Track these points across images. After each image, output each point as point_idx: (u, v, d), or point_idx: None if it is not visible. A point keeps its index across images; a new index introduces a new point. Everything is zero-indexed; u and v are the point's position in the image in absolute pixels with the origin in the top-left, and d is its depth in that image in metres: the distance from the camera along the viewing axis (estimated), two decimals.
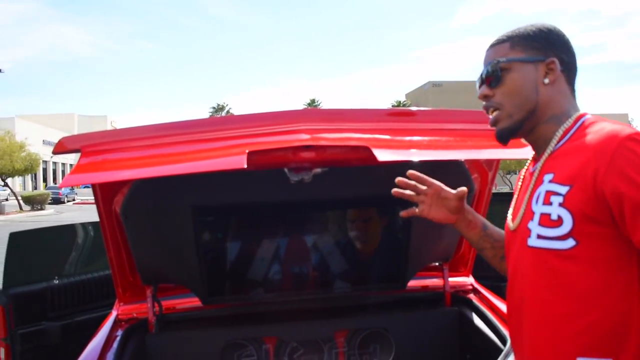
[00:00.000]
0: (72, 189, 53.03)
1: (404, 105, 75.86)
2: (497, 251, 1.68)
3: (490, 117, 1.48)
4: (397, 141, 2.08)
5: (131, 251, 2.62)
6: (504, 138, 1.47)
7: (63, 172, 67.61)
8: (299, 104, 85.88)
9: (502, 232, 1.70)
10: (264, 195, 2.61)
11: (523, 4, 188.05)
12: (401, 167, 2.24)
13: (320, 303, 3.01)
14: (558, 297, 1.29)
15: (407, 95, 76.49)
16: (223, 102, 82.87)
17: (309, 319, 2.93)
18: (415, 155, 2.03)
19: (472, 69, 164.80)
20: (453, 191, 1.63)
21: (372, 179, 2.53)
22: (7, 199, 38.49)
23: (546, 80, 1.41)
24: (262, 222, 2.91)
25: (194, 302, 2.91)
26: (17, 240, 3.48)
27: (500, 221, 1.64)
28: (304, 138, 2.02)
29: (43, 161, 49.87)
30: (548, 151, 1.40)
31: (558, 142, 1.39)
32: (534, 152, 1.51)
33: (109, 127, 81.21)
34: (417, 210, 1.67)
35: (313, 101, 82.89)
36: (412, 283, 2.96)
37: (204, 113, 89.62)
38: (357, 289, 3.06)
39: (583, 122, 1.38)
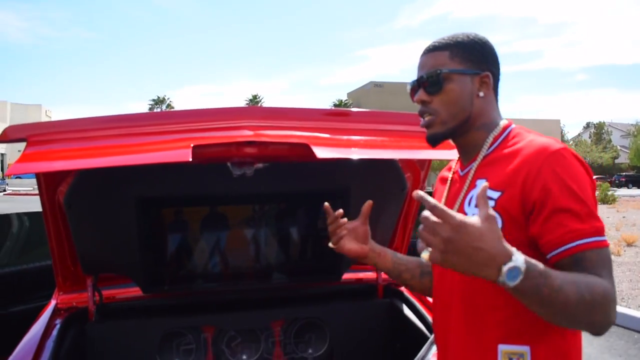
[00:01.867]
0: (3, 179, 51.14)
1: (345, 105, 76.36)
2: (413, 272, 1.82)
3: (424, 120, 1.56)
4: (336, 140, 2.19)
5: (73, 241, 2.64)
6: (434, 142, 1.56)
7: None
8: (241, 100, 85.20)
9: (409, 256, 1.87)
10: (207, 188, 2.68)
11: (464, 9, 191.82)
12: (339, 164, 2.37)
13: (258, 294, 3.11)
14: (485, 291, 1.40)
15: (349, 95, 77.04)
16: (164, 95, 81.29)
17: (246, 308, 3.02)
18: (352, 154, 2.14)
19: (412, 70, 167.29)
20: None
21: (312, 175, 2.64)
22: None
23: (481, 94, 1.52)
24: (204, 214, 2.98)
25: (134, 291, 2.96)
26: None
27: None
28: (246, 134, 2.10)
29: None
30: (480, 157, 1.51)
31: (488, 148, 1.51)
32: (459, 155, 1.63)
33: (43, 117, 78.65)
34: (331, 244, 1.81)
35: (255, 97, 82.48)
36: (346, 276, 3.09)
37: (143, 105, 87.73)
38: (294, 280, 3.16)
39: (510, 131, 1.52)
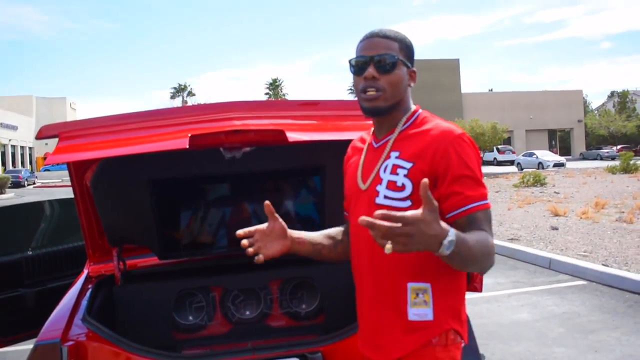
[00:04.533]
0: (33, 172, 52.39)
1: None
2: (329, 247, 2.11)
3: (367, 94, 1.81)
4: (305, 125, 2.66)
5: (100, 217, 3.17)
6: (373, 113, 1.84)
7: (22, 155, 66.48)
8: (262, 84, 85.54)
9: (318, 232, 2.13)
10: (206, 170, 3.18)
11: None
12: (315, 145, 2.83)
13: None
14: None
15: None
16: (185, 83, 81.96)
17: (248, 270, 3.52)
18: (316, 137, 2.61)
19: (432, 46, 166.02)
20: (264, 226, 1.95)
21: (292, 155, 3.12)
22: None
23: (411, 84, 1.89)
24: (205, 191, 3.50)
25: (152, 260, 3.50)
26: None
27: None
28: (234, 124, 2.55)
29: (1, 145, 49.09)
30: (396, 133, 1.86)
31: (402, 125, 1.86)
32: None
33: (68, 109, 79.75)
34: (257, 258, 1.93)
35: (275, 81, 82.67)
36: None
37: (165, 94, 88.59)
38: None
39: (419, 114, 1.89)
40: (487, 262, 1.71)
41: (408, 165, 1.78)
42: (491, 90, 69.92)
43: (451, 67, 61.34)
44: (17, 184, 43.33)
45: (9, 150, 61.74)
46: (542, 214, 13.45)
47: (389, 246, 1.44)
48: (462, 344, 1.86)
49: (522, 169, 39.85)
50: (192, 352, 3.20)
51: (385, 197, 1.80)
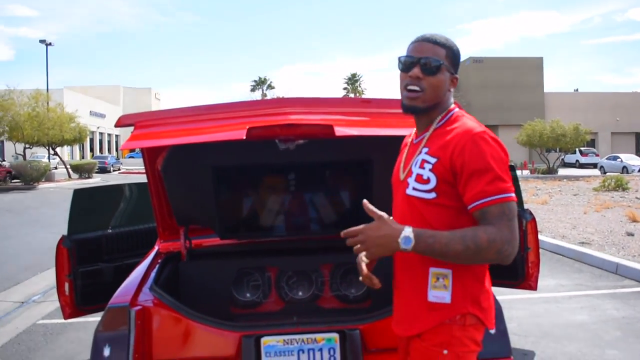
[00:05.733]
0: (118, 159, 54.73)
1: None
2: None
3: (408, 92, 1.99)
4: (354, 121, 2.86)
5: (169, 199, 3.51)
6: (411, 111, 2.02)
7: (109, 142, 69.53)
8: (340, 79, 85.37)
9: None
10: (262, 159, 3.45)
11: None
12: (364, 140, 3.02)
13: (311, 243, 3.87)
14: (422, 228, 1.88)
15: None
16: (265, 76, 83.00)
17: (302, 254, 3.78)
18: (363, 131, 2.80)
19: (516, 44, 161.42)
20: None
21: (341, 149, 3.33)
22: (56, 167, 40.22)
23: (452, 89, 2.04)
24: (263, 179, 3.77)
25: (215, 241, 3.81)
26: (80, 195, 4.26)
27: None
28: (288, 118, 2.76)
29: (90, 132, 51.56)
30: (430, 131, 2.02)
31: (437, 124, 2.02)
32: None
33: (153, 99, 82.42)
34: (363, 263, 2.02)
35: (354, 76, 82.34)
36: None
37: (245, 86, 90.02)
38: (337, 232, 3.87)
39: (452, 114, 2.03)
40: (485, 256, 1.82)
41: (433, 160, 1.94)
42: (577, 90, 67.08)
43: (534, 66, 59.28)
44: (103, 170, 45.54)
45: (97, 137, 64.73)
46: (620, 219, 13.07)
47: (363, 258, 1.99)
48: (485, 329, 2.00)
49: (605, 173, 38.32)
50: (242, 323, 3.46)
51: (414, 188, 1.98)
